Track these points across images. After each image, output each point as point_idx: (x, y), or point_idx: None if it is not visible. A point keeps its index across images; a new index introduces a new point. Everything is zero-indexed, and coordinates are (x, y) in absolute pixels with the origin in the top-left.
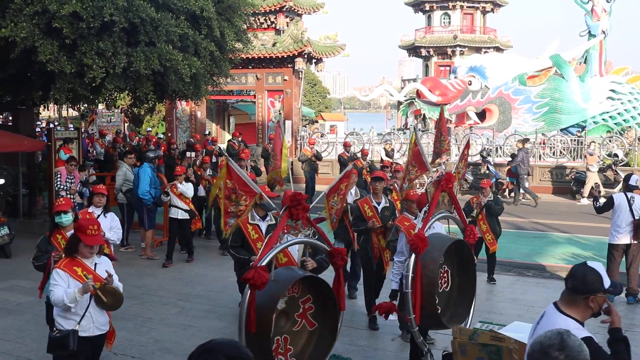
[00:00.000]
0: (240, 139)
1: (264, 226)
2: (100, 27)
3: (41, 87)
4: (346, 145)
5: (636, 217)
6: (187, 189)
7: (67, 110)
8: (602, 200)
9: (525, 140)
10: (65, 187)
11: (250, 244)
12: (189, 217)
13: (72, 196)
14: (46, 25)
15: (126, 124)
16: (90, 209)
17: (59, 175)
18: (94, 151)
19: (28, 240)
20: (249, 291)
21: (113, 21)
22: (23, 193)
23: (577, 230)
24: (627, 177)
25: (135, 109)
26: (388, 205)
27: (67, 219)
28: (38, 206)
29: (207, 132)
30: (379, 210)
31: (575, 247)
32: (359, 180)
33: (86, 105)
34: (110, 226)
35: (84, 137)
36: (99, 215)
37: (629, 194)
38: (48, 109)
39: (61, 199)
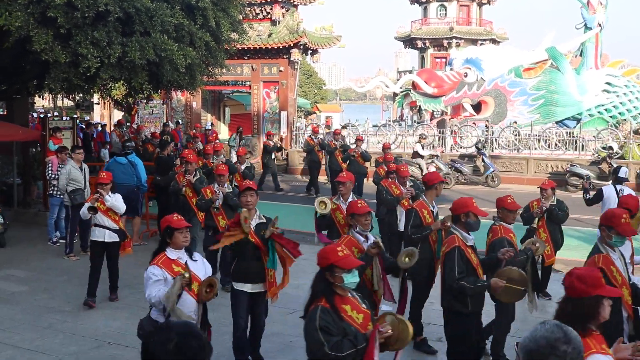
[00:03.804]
0: (240, 130)
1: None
2: (95, 16)
3: (36, 77)
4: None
5: None
6: (117, 201)
7: (62, 99)
8: (592, 193)
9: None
10: (56, 177)
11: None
12: (118, 240)
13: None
14: (41, 14)
15: (170, 116)
16: (172, 254)
17: (50, 165)
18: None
19: (22, 230)
20: None
21: (108, 11)
22: (17, 182)
23: (568, 222)
24: (617, 170)
25: (131, 99)
26: (437, 210)
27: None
28: (32, 195)
29: (208, 127)
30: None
31: (567, 239)
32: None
33: (80, 94)
34: (205, 272)
35: (98, 128)
36: (186, 261)
37: (619, 186)
38: (43, 99)
39: (342, 249)
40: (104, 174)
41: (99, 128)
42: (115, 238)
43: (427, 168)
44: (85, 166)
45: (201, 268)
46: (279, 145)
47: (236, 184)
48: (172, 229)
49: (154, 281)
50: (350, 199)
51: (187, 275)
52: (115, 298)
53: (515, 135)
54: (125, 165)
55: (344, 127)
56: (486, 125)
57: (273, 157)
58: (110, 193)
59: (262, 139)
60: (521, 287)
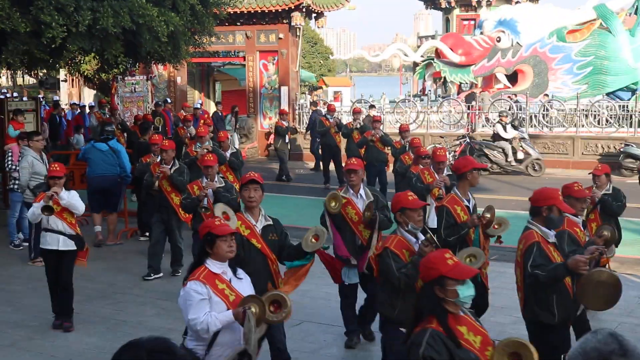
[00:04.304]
0: (235, 110)
1: None
2: None
3: None
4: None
5: None
6: (73, 199)
7: (23, 77)
8: None
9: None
10: (16, 168)
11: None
12: (74, 248)
13: None
14: None
15: (152, 94)
16: (216, 268)
17: (10, 154)
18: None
19: None
20: None
21: None
22: None
23: (626, 212)
24: None
25: (104, 75)
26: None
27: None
28: None
29: (197, 105)
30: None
31: (625, 232)
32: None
33: (44, 70)
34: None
35: (76, 110)
36: (230, 279)
37: None
38: (0, 76)
39: (450, 256)
40: (57, 165)
41: (77, 110)
42: (71, 246)
43: (515, 153)
44: (44, 156)
45: (247, 288)
46: (292, 127)
47: (222, 175)
48: (214, 236)
49: (199, 300)
50: (361, 191)
51: (254, 309)
52: (70, 327)
53: (558, 110)
54: (106, 152)
55: (371, 106)
56: (510, 98)
57: (287, 140)
58: (64, 190)
59: (260, 120)
60: (613, 291)
